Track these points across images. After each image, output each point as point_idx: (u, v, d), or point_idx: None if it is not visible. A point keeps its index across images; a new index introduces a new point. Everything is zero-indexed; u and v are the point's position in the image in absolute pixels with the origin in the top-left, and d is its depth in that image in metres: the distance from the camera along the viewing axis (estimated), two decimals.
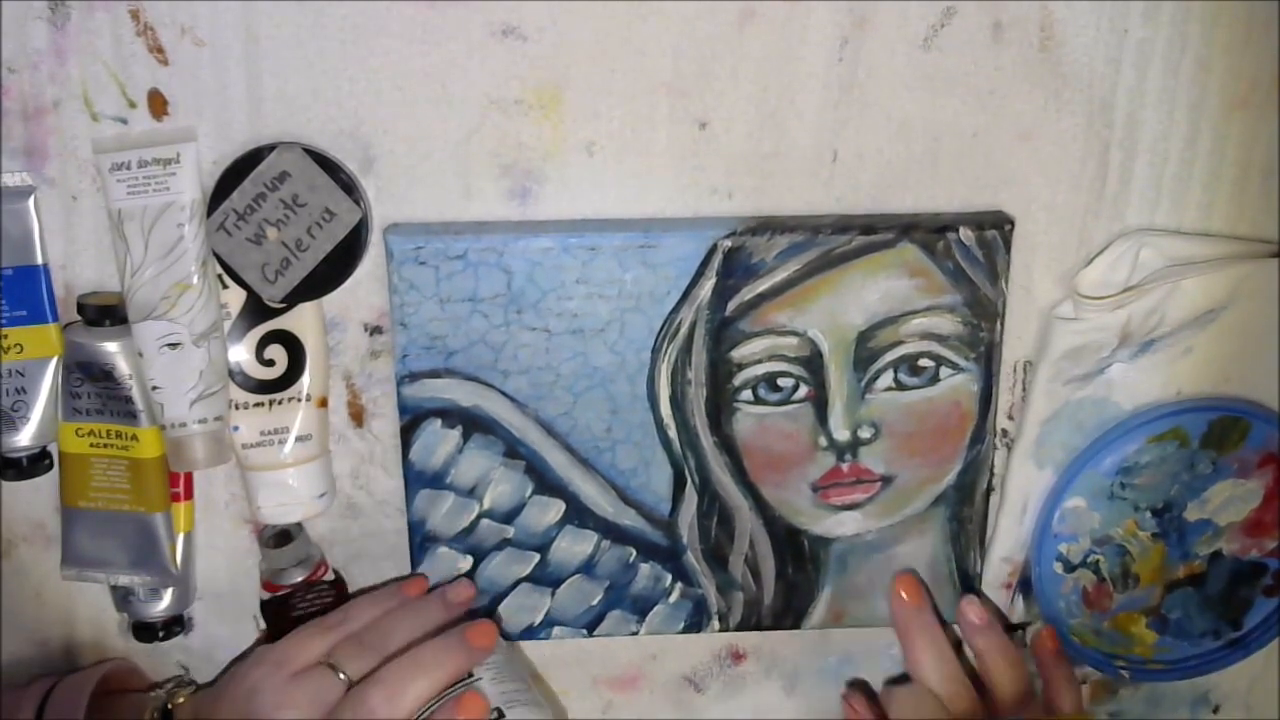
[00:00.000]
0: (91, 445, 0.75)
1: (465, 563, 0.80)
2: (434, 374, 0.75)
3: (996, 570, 0.83)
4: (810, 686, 0.88)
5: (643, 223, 0.74)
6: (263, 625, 0.81)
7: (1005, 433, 0.81)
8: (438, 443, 0.77)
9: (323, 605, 0.80)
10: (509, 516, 0.78)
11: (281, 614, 0.80)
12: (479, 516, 0.78)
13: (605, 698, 0.87)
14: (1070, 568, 0.83)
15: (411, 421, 0.76)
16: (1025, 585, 0.84)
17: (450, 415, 0.76)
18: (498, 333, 0.75)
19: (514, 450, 0.77)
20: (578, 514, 0.79)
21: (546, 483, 0.78)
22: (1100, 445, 0.79)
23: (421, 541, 0.79)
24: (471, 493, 0.78)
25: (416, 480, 0.78)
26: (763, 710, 0.88)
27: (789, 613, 0.82)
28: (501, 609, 0.81)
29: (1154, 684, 0.89)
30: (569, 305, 0.74)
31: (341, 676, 0.73)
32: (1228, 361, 0.79)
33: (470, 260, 0.73)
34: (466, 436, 0.77)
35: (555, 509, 0.78)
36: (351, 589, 0.82)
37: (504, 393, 0.76)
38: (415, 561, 0.79)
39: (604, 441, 0.77)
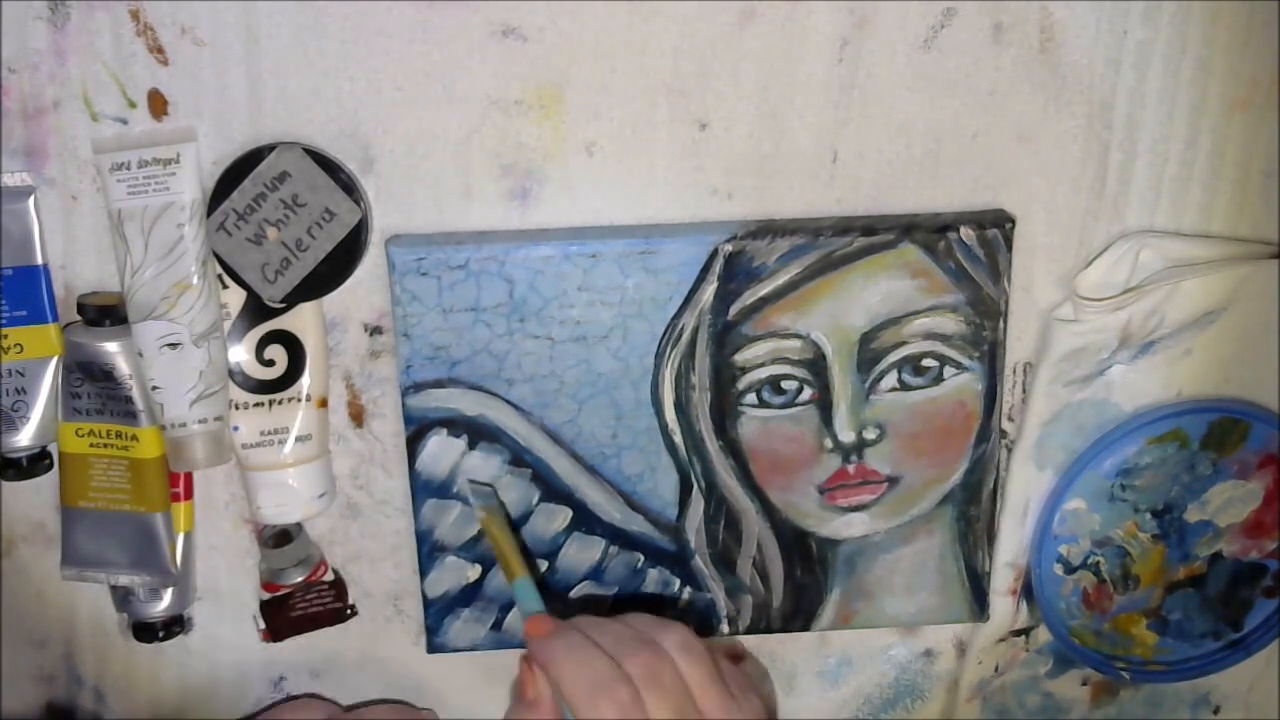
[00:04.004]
0: (91, 445, 0.75)
1: (474, 571, 0.79)
2: (438, 384, 0.75)
3: (1001, 576, 0.83)
4: (810, 687, 0.88)
5: (644, 229, 0.74)
6: (262, 625, 0.81)
7: (1005, 434, 0.81)
8: (444, 452, 0.77)
9: (322, 605, 0.81)
10: (517, 524, 0.78)
11: (281, 614, 0.80)
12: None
13: None
14: (1070, 569, 0.83)
15: (417, 431, 0.76)
16: (1028, 590, 0.84)
17: (455, 425, 0.76)
18: (501, 341, 0.75)
19: (520, 458, 0.77)
20: (585, 520, 0.79)
21: (553, 490, 0.78)
22: (1100, 447, 0.79)
23: (430, 551, 0.79)
24: None
25: (424, 490, 0.77)
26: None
27: (798, 615, 0.82)
28: (511, 616, 0.81)
29: (1154, 685, 0.89)
30: (571, 313, 0.74)
31: None
32: (1228, 363, 0.79)
33: (472, 270, 0.73)
34: (472, 445, 0.76)
35: (562, 516, 0.78)
36: (351, 589, 0.82)
37: (509, 401, 0.76)
38: (424, 571, 0.79)
39: (609, 448, 0.77)
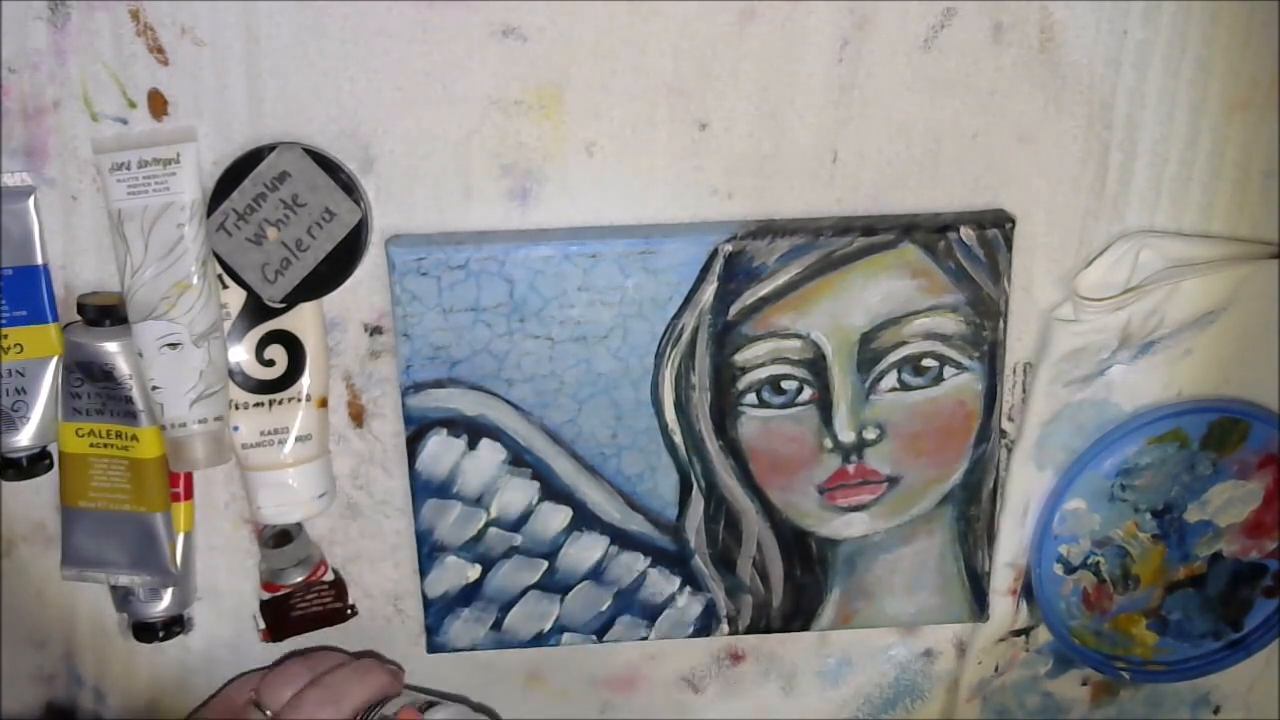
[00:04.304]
0: (91, 445, 0.75)
1: (474, 571, 0.80)
2: (438, 384, 0.75)
3: (1001, 576, 0.83)
4: (809, 687, 0.88)
5: (644, 229, 0.74)
6: (262, 625, 0.81)
7: (1005, 434, 0.80)
8: (444, 452, 0.77)
9: (322, 605, 0.81)
10: (517, 524, 0.78)
11: (281, 614, 0.80)
12: (487, 525, 0.78)
13: (603, 698, 0.87)
14: (1070, 569, 0.83)
15: (417, 431, 0.76)
16: (1028, 590, 0.84)
17: (455, 425, 0.76)
18: (501, 341, 0.75)
19: (520, 458, 0.77)
20: (585, 520, 0.79)
21: (553, 490, 0.78)
22: (1100, 447, 0.79)
23: (430, 551, 0.79)
24: (478, 501, 0.78)
25: (423, 490, 0.77)
26: (761, 710, 0.88)
27: (798, 615, 0.82)
28: (511, 616, 0.81)
29: (1154, 685, 0.89)
30: (571, 313, 0.74)
31: (267, 713, 0.76)
32: (1228, 363, 0.79)
33: (472, 270, 0.73)
34: (472, 445, 0.76)
35: (562, 516, 0.78)
36: (351, 589, 0.82)
37: (509, 401, 0.76)
38: (424, 571, 0.79)
39: (609, 448, 0.77)
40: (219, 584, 0.82)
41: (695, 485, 0.78)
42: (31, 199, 0.73)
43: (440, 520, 0.78)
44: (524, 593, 0.80)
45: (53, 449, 0.77)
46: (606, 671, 0.87)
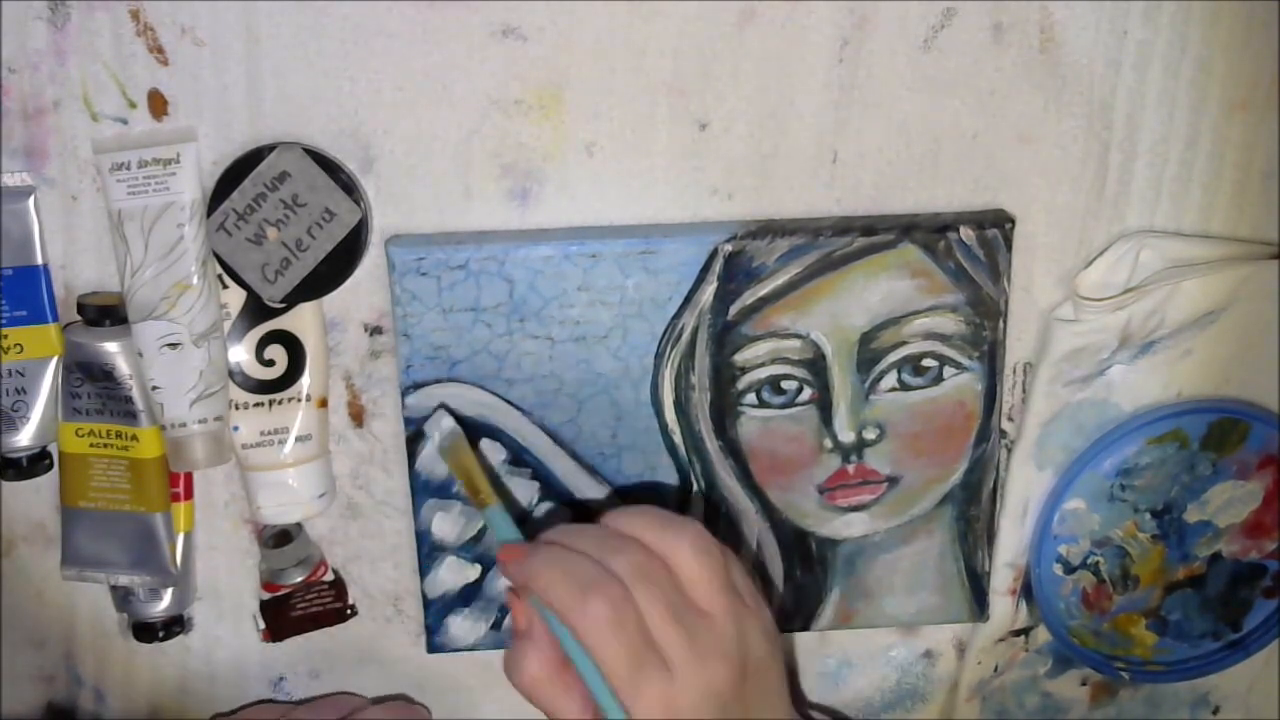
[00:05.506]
0: (91, 445, 0.75)
1: (474, 571, 0.79)
2: (438, 384, 0.75)
3: (1001, 576, 0.83)
4: (809, 687, 0.88)
5: (643, 229, 0.74)
6: (262, 625, 0.81)
7: (1005, 434, 0.80)
8: None
9: (322, 605, 0.81)
10: (517, 524, 0.78)
11: (281, 614, 0.80)
12: (487, 525, 0.78)
13: None
14: (1070, 569, 0.83)
15: (417, 431, 0.76)
16: (1028, 590, 0.84)
17: None
18: (501, 342, 0.75)
19: (520, 458, 0.77)
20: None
21: (553, 489, 0.78)
22: (1100, 447, 0.79)
23: (430, 551, 0.79)
24: None
25: (423, 490, 0.77)
26: None
27: (798, 615, 0.82)
28: (510, 617, 0.80)
29: (1154, 685, 0.89)
30: (571, 313, 0.74)
31: None
32: (1228, 363, 0.79)
33: (471, 270, 0.73)
34: (472, 445, 0.76)
35: (562, 515, 0.78)
36: (351, 589, 0.82)
37: (509, 401, 0.76)
38: (424, 571, 0.79)
39: (609, 448, 0.77)
40: (219, 584, 0.82)
41: (695, 485, 0.78)
42: (31, 199, 0.73)
43: (440, 520, 0.78)
44: None
45: (53, 449, 0.77)
46: None
